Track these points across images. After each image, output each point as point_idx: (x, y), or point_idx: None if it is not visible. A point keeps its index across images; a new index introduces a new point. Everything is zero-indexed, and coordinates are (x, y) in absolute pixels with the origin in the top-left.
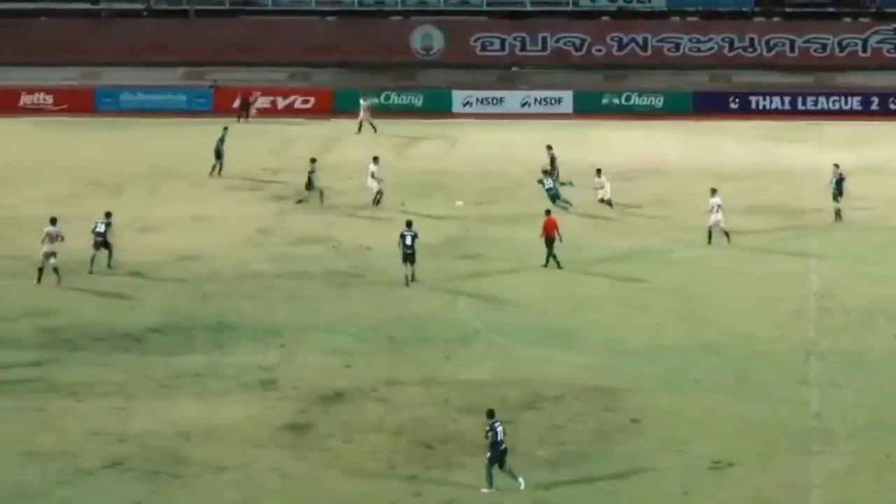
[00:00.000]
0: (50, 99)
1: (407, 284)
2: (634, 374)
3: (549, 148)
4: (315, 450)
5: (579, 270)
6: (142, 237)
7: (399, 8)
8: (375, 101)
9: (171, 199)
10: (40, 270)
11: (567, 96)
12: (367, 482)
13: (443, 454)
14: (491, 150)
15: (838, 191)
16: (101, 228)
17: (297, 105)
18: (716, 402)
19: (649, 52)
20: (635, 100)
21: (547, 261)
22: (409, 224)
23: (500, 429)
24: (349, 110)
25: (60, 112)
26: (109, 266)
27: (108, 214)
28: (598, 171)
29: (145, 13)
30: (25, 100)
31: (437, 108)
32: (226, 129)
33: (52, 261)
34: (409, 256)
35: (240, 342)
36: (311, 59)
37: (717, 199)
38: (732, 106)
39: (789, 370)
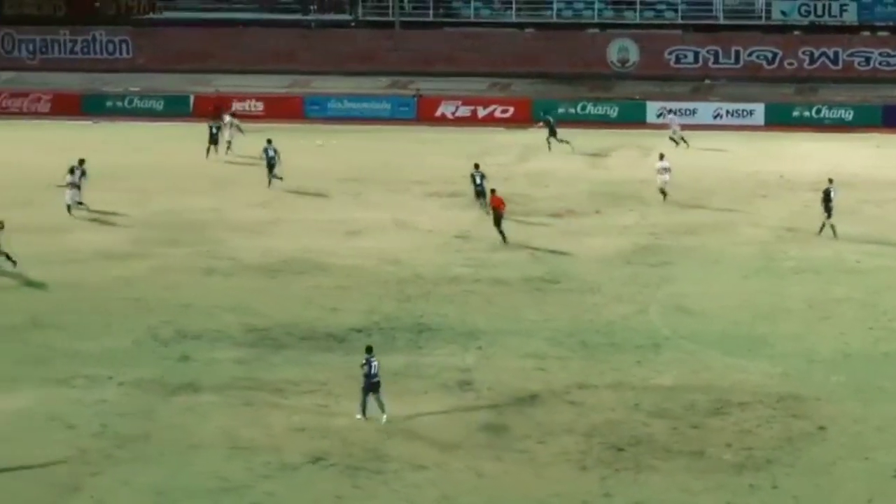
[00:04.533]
0: (260, 106)
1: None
2: (821, 381)
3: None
4: (510, 450)
5: (769, 279)
6: (347, 241)
7: (596, 21)
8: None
9: (374, 205)
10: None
11: (758, 109)
12: (559, 483)
13: (632, 457)
14: (683, 160)
15: None
16: None
17: (497, 114)
18: None
19: (840, 66)
20: (825, 113)
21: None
22: (476, 166)
23: (374, 363)
24: (547, 120)
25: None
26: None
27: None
28: (662, 155)
29: (353, 24)
30: (237, 107)
31: (632, 118)
32: (269, 140)
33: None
34: (480, 193)
35: (439, 344)
36: (511, 69)
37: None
38: None
39: None
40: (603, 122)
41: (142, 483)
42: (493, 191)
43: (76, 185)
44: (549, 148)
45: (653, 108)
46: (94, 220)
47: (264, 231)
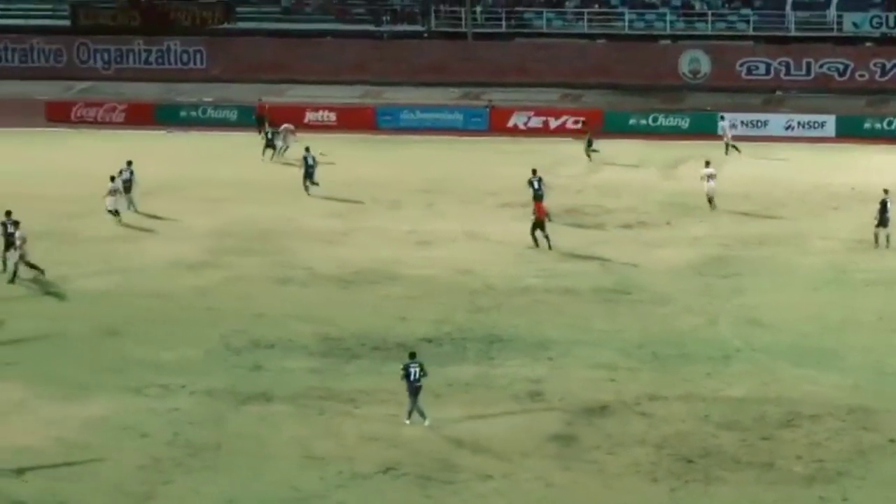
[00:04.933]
0: (333, 116)
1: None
2: (892, 394)
3: None
4: (579, 461)
5: (840, 291)
6: (418, 251)
7: (668, 32)
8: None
9: (446, 215)
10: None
11: (830, 120)
12: (629, 494)
13: (702, 468)
14: (754, 172)
15: None
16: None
17: (569, 125)
18: None
19: None
20: None
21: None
22: (534, 172)
23: (415, 369)
24: (618, 131)
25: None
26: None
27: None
28: (707, 162)
29: (425, 35)
30: (310, 116)
31: (703, 130)
32: (307, 148)
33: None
34: (539, 198)
35: (510, 354)
36: (582, 80)
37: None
38: None
39: None
40: (674, 134)
41: (213, 492)
42: (538, 197)
43: (117, 192)
44: (590, 159)
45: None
46: (168, 229)
47: (337, 241)
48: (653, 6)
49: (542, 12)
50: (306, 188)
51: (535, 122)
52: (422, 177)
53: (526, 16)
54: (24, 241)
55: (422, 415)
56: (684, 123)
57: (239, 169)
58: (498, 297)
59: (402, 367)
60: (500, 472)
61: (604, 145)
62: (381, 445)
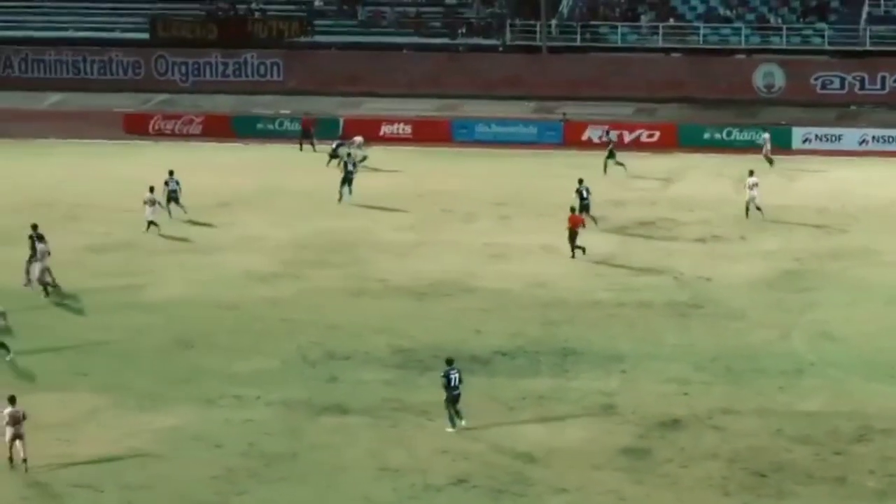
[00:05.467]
0: (409, 129)
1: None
2: None
3: None
4: (652, 474)
5: None
6: (493, 264)
7: (743, 47)
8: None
9: (520, 228)
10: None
11: None
12: None
13: (775, 483)
14: (828, 186)
15: None
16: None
17: (643, 139)
18: None
19: None
20: None
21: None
22: (580, 181)
23: (454, 375)
24: (692, 145)
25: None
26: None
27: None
28: (751, 171)
29: (500, 49)
30: (385, 129)
31: (778, 144)
32: (349, 154)
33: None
34: (586, 207)
35: (583, 368)
36: (657, 94)
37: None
38: None
39: None
40: (749, 148)
41: (287, 503)
42: (572, 209)
43: (155, 202)
44: (605, 171)
45: (798, 133)
46: (243, 241)
47: (411, 253)
48: (728, 20)
49: (616, 26)
50: (340, 196)
51: (610, 135)
52: (496, 190)
53: (601, 30)
54: (45, 254)
55: (459, 416)
56: (758, 138)
57: (314, 181)
58: (571, 311)
59: (441, 374)
60: (572, 485)
61: (677, 159)
62: (454, 457)
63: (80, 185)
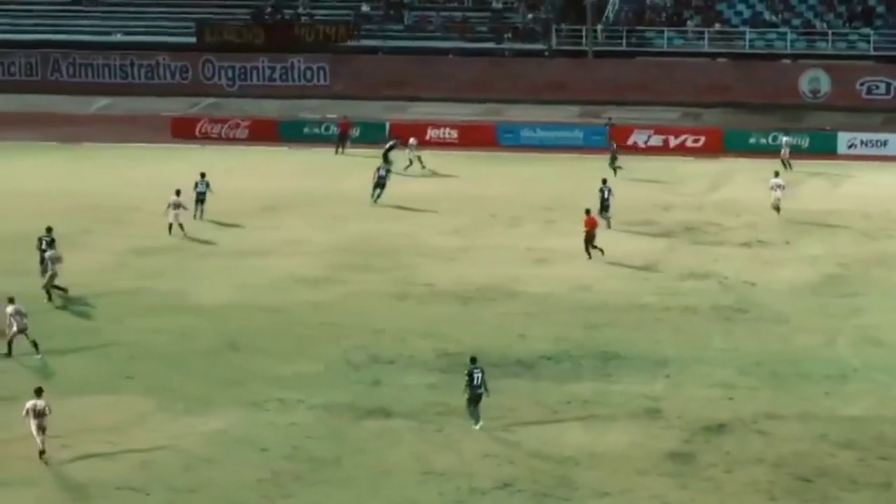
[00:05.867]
0: (455, 134)
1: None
2: None
3: None
4: (696, 479)
5: None
6: (537, 268)
7: (788, 52)
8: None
9: (565, 233)
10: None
11: None
12: None
13: (820, 488)
14: (874, 192)
15: None
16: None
17: (688, 143)
18: None
19: None
20: None
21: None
22: (604, 181)
23: (478, 374)
24: (738, 149)
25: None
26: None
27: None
28: (777, 172)
29: (546, 53)
30: (432, 133)
31: (823, 149)
32: (386, 159)
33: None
34: (606, 208)
35: (627, 372)
36: (702, 99)
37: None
38: None
39: None
40: (794, 153)
41: None
42: (587, 211)
43: (179, 206)
44: (615, 173)
45: (843, 139)
46: (288, 244)
47: (456, 257)
48: (774, 25)
49: (663, 31)
50: (373, 197)
51: (656, 140)
52: (541, 194)
53: (647, 34)
54: (55, 260)
55: (477, 419)
56: (804, 143)
57: (360, 185)
58: (615, 315)
59: (465, 373)
60: (616, 490)
61: (723, 164)
62: (499, 461)
63: (126, 189)
